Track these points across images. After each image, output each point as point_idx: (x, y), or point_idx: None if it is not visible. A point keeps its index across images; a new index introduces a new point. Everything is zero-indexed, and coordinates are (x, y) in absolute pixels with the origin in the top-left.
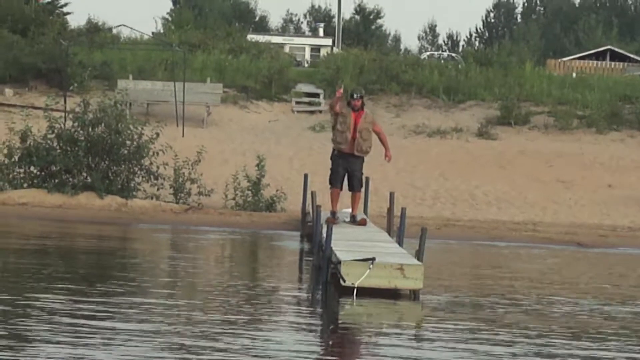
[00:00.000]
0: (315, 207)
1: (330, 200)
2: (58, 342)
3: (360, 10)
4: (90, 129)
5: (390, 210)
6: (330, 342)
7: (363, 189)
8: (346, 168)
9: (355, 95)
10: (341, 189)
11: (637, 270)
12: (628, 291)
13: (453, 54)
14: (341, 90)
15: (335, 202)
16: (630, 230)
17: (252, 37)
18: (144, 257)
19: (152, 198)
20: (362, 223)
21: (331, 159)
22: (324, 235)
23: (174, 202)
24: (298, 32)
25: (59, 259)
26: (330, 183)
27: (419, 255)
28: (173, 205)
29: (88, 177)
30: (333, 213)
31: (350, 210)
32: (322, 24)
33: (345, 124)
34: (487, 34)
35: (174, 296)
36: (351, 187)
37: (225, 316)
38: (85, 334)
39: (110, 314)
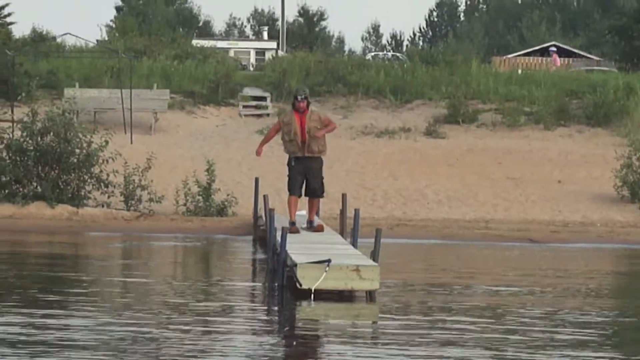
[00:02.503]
0: (267, 211)
1: (288, 207)
2: (3, 356)
3: (303, 12)
4: (39, 139)
5: (343, 211)
6: (288, 345)
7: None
8: (304, 173)
9: (299, 97)
10: (300, 196)
11: (580, 264)
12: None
13: (398, 54)
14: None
15: (294, 211)
16: (582, 225)
17: (197, 42)
18: (92, 266)
19: (103, 206)
20: (320, 229)
21: (287, 165)
22: (278, 238)
23: (125, 210)
24: (242, 36)
25: (7, 268)
26: (289, 190)
27: (374, 256)
28: (124, 213)
29: (38, 187)
30: (292, 223)
31: (303, 212)
32: (266, 27)
33: (291, 132)
34: (430, 33)
35: (128, 308)
36: (311, 193)
37: (179, 322)
38: (34, 344)
39: (62, 321)
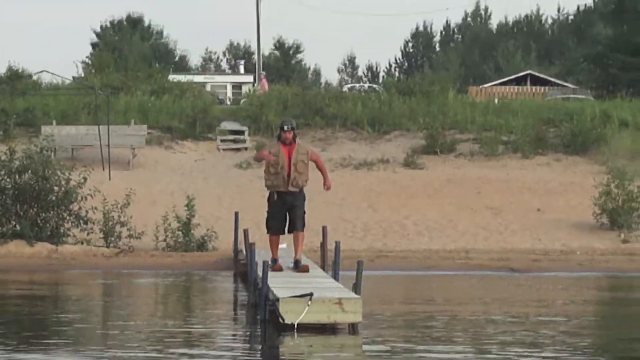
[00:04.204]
0: (248, 245)
1: (270, 247)
2: None
3: (279, 45)
4: (17, 177)
5: (323, 244)
6: None
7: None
8: (286, 209)
9: (286, 127)
10: (283, 233)
11: (561, 292)
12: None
13: (374, 85)
14: (265, 152)
15: (276, 249)
16: (562, 253)
17: (173, 77)
18: (73, 305)
19: (82, 243)
20: (305, 270)
21: (268, 201)
22: (259, 273)
23: (104, 246)
24: (218, 70)
25: None
26: (269, 229)
27: (356, 288)
28: (104, 250)
29: (17, 225)
30: (274, 260)
31: (284, 245)
32: (242, 61)
33: (278, 165)
34: (406, 64)
35: (109, 344)
36: (292, 227)
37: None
38: None
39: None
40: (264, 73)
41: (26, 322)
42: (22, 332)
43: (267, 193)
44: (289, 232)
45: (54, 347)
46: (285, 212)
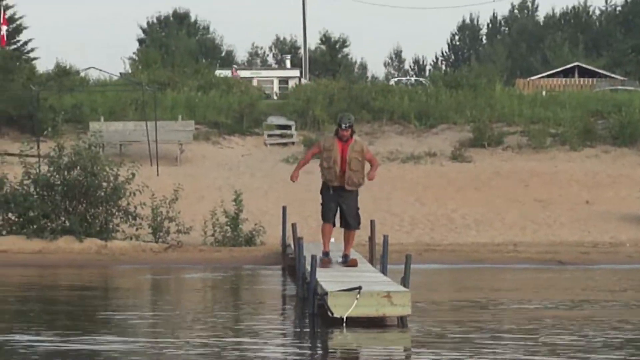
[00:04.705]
0: (296, 239)
1: (321, 236)
2: None
3: (325, 39)
4: (66, 173)
5: (372, 238)
6: None
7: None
8: (338, 202)
9: (343, 125)
10: (334, 225)
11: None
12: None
13: (421, 79)
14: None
15: (327, 240)
16: (611, 245)
17: (220, 72)
18: (124, 299)
19: (131, 238)
20: (354, 264)
21: (321, 192)
22: (308, 267)
23: (153, 242)
24: (265, 65)
25: (41, 303)
26: (322, 218)
27: (404, 281)
28: (152, 245)
29: (66, 221)
30: (326, 253)
31: (333, 240)
32: (288, 56)
33: (331, 159)
34: (453, 57)
35: (161, 334)
36: (345, 225)
37: (212, 354)
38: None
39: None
40: (235, 67)
41: (77, 313)
42: (73, 322)
43: (316, 188)
44: (341, 227)
45: (106, 334)
46: (337, 205)
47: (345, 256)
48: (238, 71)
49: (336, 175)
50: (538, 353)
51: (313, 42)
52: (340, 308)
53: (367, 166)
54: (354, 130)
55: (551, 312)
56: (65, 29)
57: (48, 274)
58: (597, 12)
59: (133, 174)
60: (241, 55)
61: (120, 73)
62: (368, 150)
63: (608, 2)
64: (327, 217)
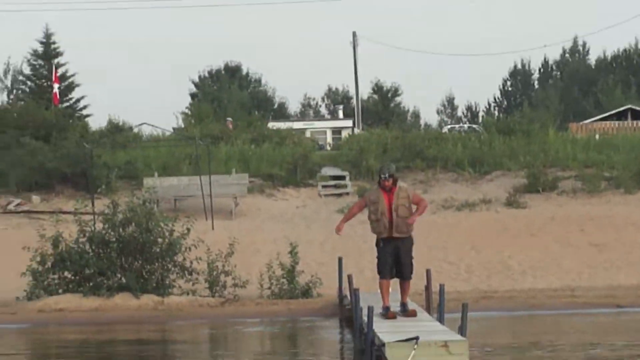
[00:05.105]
0: (352, 290)
1: (380, 292)
2: None
3: (377, 88)
4: (121, 230)
5: (428, 287)
6: None
7: None
8: (394, 254)
9: (382, 176)
10: (392, 277)
11: None
12: None
13: (474, 125)
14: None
15: (387, 295)
16: None
17: (273, 124)
18: (184, 355)
19: (188, 294)
20: (413, 314)
21: (376, 245)
22: (365, 318)
23: (210, 296)
24: (317, 115)
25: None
26: (379, 273)
27: (461, 330)
28: (209, 300)
29: (122, 278)
30: (386, 308)
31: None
32: (341, 106)
33: (378, 211)
34: (505, 103)
35: None
36: (400, 275)
37: None
38: None
39: None
40: (229, 120)
41: None
42: None
43: (371, 238)
44: (396, 277)
45: None
46: (392, 257)
47: (403, 304)
48: (231, 122)
49: (385, 226)
50: None
51: (365, 91)
52: (399, 359)
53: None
54: (397, 178)
55: (613, 353)
56: (118, 85)
57: (106, 331)
58: None
59: (188, 229)
60: (294, 107)
61: (173, 128)
62: (415, 194)
63: None
64: (383, 272)
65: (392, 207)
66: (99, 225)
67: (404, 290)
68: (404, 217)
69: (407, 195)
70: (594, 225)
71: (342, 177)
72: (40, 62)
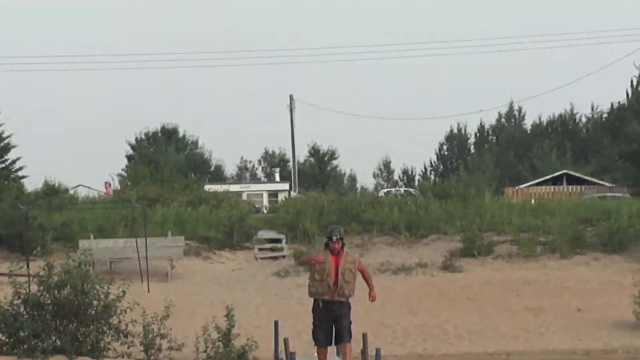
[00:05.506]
0: (289, 354)
1: None
2: None
3: (314, 152)
4: (56, 292)
5: (364, 351)
6: None
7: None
8: (332, 320)
9: (334, 237)
10: (331, 344)
11: None
12: None
13: (410, 189)
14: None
15: None
16: (603, 353)
17: (209, 187)
18: None
19: (123, 356)
20: None
21: (313, 311)
22: None
23: (145, 359)
24: (254, 178)
25: None
26: (315, 341)
27: None
28: None
29: (57, 340)
30: None
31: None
32: (277, 169)
33: (324, 272)
34: (441, 167)
35: None
36: (339, 339)
37: None
38: None
39: None
40: (108, 182)
41: None
42: None
43: (308, 301)
44: (336, 343)
45: None
46: (331, 322)
47: None
48: (111, 186)
49: (329, 287)
50: None
51: (302, 154)
52: None
53: (359, 278)
54: (344, 243)
55: None
56: (53, 146)
57: None
58: (584, 119)
59: (124, 292)
60: (230, 169)
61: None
62: (361, 262)
63: (594, 109)
64: (319, 339)
65: (338, 270)
66: (34, 287)
67: (344, 354)
68: (347, 282)
69: (354, 260)
70: (530, 289)
71: (279, 240)
72: None
